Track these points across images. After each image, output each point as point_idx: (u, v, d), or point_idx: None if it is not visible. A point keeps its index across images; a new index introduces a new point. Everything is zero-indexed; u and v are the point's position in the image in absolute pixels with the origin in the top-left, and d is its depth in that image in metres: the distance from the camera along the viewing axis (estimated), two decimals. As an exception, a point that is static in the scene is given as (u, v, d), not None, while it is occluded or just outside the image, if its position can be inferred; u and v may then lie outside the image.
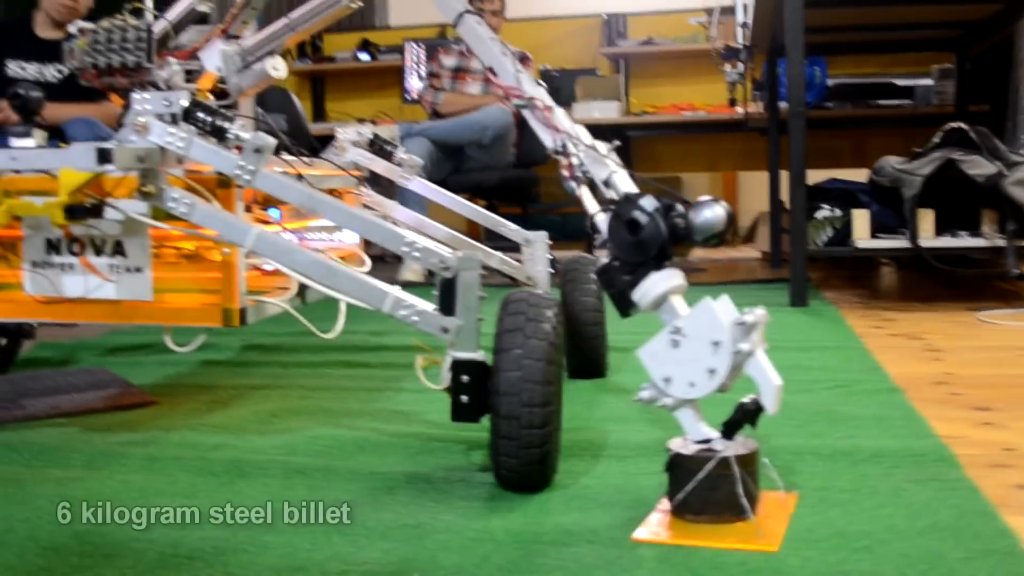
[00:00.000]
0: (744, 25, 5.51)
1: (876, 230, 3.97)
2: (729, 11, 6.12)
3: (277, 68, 2.08)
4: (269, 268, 2.14)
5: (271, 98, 5.45)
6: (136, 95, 1.72)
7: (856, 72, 6.37)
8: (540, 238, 2.77)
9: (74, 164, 1.69)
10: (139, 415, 2.28)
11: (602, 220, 1.61)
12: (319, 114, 7.67)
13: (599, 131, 5.29)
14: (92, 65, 1.90)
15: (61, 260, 1.93)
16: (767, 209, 5.88)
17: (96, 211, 1.77)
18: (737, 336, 1.47)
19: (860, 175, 4.62)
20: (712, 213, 1.53)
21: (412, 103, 6.80)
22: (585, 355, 2.53)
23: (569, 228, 7.99)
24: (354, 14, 7.22)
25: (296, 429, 2.13)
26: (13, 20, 4.51)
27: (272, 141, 1.70)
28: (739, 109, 5.90)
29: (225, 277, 1.89)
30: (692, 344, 1.51)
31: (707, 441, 1.52)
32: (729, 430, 1.51)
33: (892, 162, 4.00)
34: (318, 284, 1.82)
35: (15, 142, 1.81)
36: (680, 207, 1.55)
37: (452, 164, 5.38)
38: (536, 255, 2.74)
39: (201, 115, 1.72)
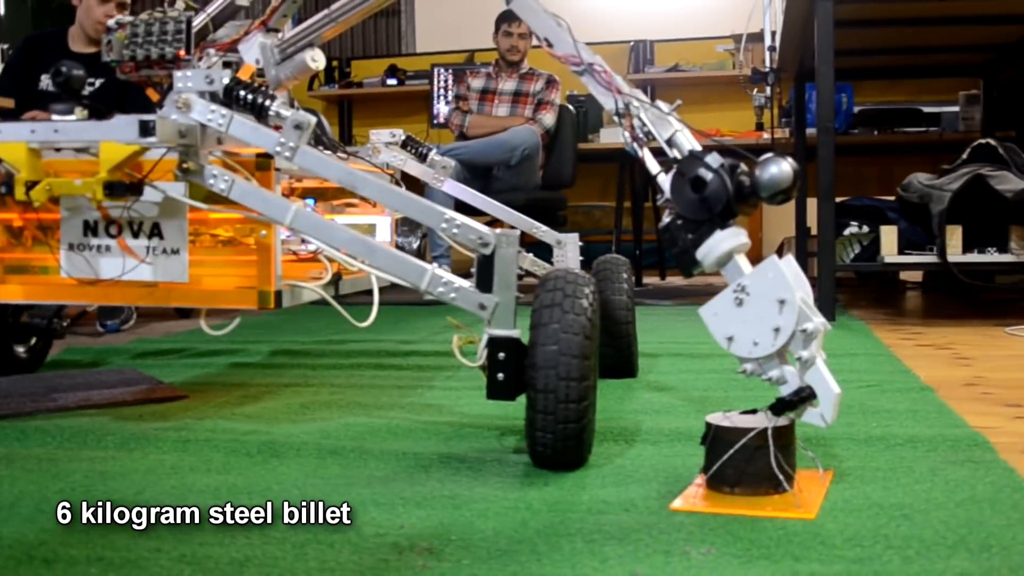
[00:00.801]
0: (772, 49, 5.52)
1: (904, 246, 3.97)
2: (757, 38, 6.14)
3: (315, 60, 2.09)
4: (303, 254, 2.15)
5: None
6: (178, 73, 1.74)
7: (882, 99, 6.36)
8: (572, 239, 2.78)
9: (116, 137, 1.70)
10: (170, 407, 2.29)
11: (665, 179, 1.60)
12: (346, 139, 7.70)
13: (625, 157, 5.29)
14: (130, 57, 1.92)
15: (98, 242, 1.95)
16: (793, 235, 5.86)
17: (135, 189, 1.78)
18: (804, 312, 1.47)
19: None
20: (778, 169, 1.51)
21: (439, 127, 6.81)
22: (616, 354, 2.53)
23: (593, 255, 8.00)
24: (381, 40, 7.26)
25: (328, 418, 2.13)
26: (49, 33, 4.50)
27: (312, 118, 1.72)
28: (765, 134, 5.90)
29: (261, 259, 1.89)
30: (757, 302, 1.50)
31: (753, 412, 1.52)
32: (780, 407, 1.50)
33: (920, 178, 4.01)
34: (357, 262, 1.83)
35: (58, 118, 1.82)
36: (744, 165, 1.55)
37: (480, 185, 5.34)
38: (568, 256, 2.75)
39: (242, 92, 1.74)
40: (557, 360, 1.55)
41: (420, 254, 4.79)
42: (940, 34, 4.74)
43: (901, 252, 3.95)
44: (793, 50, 5.06)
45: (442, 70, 6.85)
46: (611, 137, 6.21)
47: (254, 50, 2.13)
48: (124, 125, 1.67)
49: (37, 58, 4.31)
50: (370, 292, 1.98)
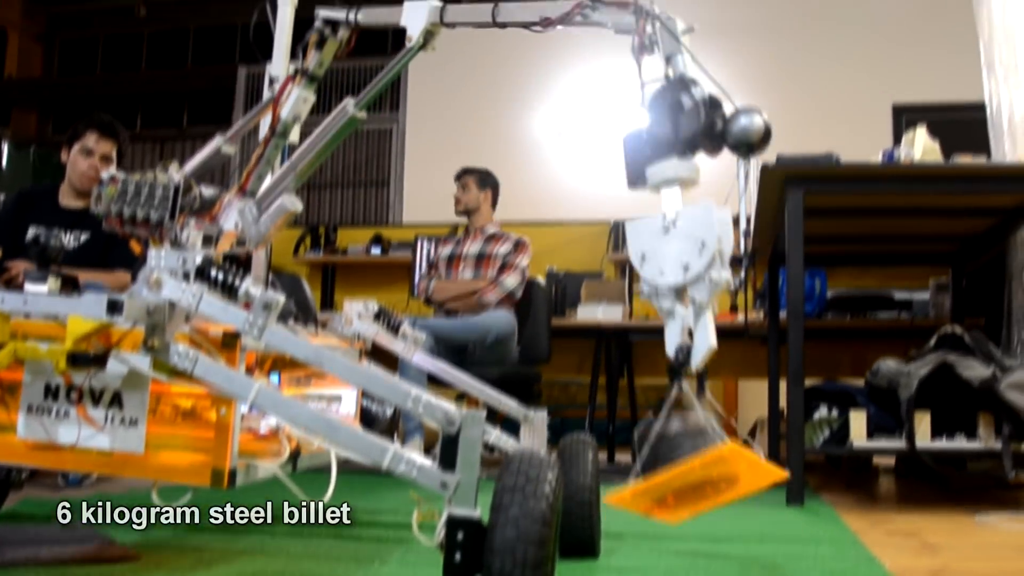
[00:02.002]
0: (747, 234, 5.64)
1: (873, 431, 3.98)
2: (733, 221, 6.28)
3: (294, 203, 2.14)
4: (263, 432, 2.15)
5: (282, 282, 5.53)
6: (152, 251, 1.78)
7: (856, 285, 6.48)
8: (540, 416, 2.78)
9: (83, 312, 1.73)
10: (119, 569, 2.26)
11: (651, 90, 1.67)
12: (327, 303, 7.78)
13: (602, 334, 5.32)
14: (117, 213, 1.96)
15: (58, 407, 1.95)
16: (766, 416, 5.89)
17: (100, 361, 1.79)
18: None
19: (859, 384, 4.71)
20: (750, 121, 1.61)
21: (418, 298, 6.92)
22: (576, 533, 2.50)
23: (569, 430, 7.98)
24: (370, 209, 7.39)
25: (279, 588, 2.10)
26: (40, 187, 4.64)
27: (280, 297, 1.75)
28: (740, 316, 5.95)
29: (218, 437, 1.88)
30: (680, 236, 1.63)
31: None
32: (676, 367, 1.62)
33: (889, 364, 4.05)
34: (318, 439, 1.83)
35: (30, 287, 1.85)
36: (725, 108, 1.61)
37: (455, 359, 5.39)
38: (535, 432, 2.75)
39: (213, 272, 1.77)
40: (515, 545, 1.55)
41: (394, 421, 4.76)
42: (910, 224, 4.87)
43: (870, 437, 3.96)
44: (767, 235, 5.17)
45: (425, 241, 6.96)
46: (589, 313, 6.25)
47: (232, 216, 2.17)
48: (92, 303, 1.70)
49: (28, 211, 4.41)
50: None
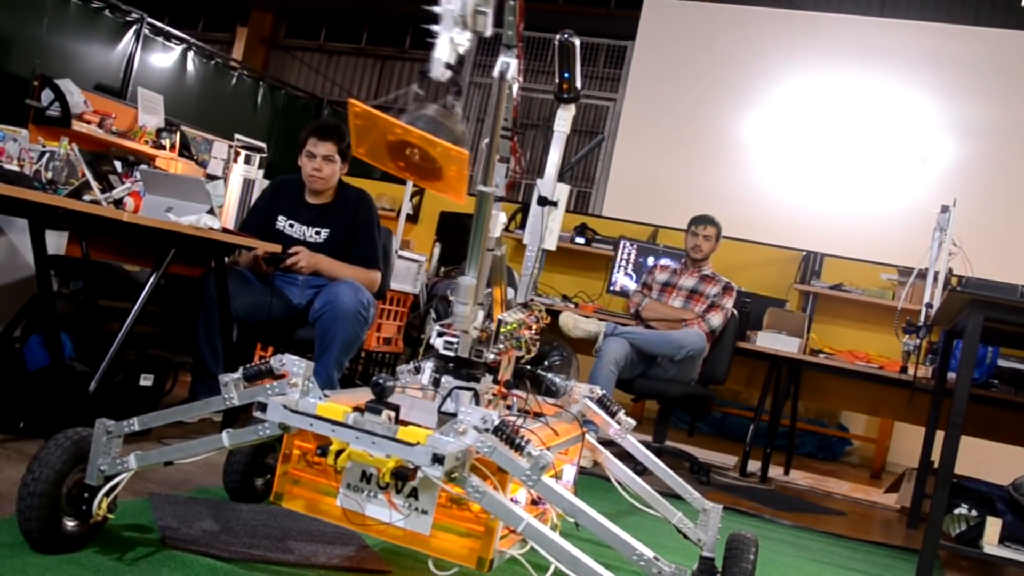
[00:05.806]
0: (929, 306, 6.01)
1: (1006, 538, 4.39)
2: (908, 272, 6.63)
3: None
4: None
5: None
6: (464, 408, 2.41)
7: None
8: (716, 509, 3.33)
9: (406, 456, 2.36)
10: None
11: None
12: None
13: (776, 359, 5.79)
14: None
15: (370, 489, 2.58)
16: (915, 466, 6.28)
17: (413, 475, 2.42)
18: None
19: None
20: None
21: (613, 293, 7.44)
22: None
23: (727, 426, 8.54)
24: (577, 201, 8.03)
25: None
26: (292, 179, 5.14)
27: (550, 458, 2.37)
28: (910, 372, 6.31)
29: (485, 538, 2.50)
30: None
31: None
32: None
33: (1031, 482, 4.45)
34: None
35: (370, 417, 2.48)
36: None
37: (642, 368, 6.02)
38: (710, 522, 3.30)
39: (507, 431, 2.39)
40: None
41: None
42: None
43: (1004, 543, 4.38)
44: (951, 314, 5.48)
45: (628, 244, 7.47)
46: (767, 341, 6.64)
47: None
48: (421, 453, 2.33)
49: (279, 199, 5.07)
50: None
